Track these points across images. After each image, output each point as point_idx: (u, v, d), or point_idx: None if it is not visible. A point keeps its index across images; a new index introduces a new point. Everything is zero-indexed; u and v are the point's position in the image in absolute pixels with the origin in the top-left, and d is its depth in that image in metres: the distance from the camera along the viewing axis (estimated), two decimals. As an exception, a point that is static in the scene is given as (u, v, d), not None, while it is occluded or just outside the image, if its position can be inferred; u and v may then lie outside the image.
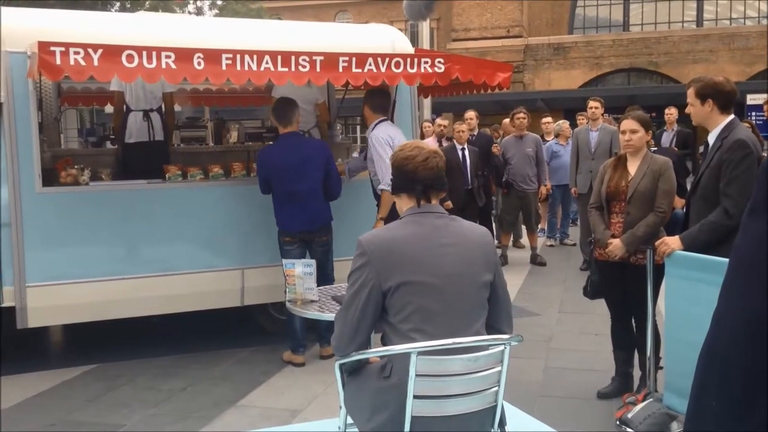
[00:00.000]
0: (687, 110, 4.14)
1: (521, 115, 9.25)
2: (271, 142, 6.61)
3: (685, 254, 3.81)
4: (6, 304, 5.15)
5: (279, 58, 4.96)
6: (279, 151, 5.37)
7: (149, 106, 6.36)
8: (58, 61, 4.47)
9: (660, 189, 4.31)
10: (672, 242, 3.93)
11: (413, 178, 2.72)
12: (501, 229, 9.83)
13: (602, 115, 9.13)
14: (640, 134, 4.38)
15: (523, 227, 10.10)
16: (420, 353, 2.45)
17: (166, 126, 6.57)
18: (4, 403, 4.70)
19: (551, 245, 10.89)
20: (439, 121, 10.10)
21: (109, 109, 9.78)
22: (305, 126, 6.44)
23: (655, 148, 7.48)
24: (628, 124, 4.42)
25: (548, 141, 10.86)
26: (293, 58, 4.99)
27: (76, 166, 5.52)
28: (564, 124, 11.17)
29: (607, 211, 4.50)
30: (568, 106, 22.84)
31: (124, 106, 6.40)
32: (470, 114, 9.92)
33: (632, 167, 4.43)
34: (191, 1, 32.31)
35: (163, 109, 6.61)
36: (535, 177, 9.28)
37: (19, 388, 4.96)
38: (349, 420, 2.84)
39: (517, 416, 4.21)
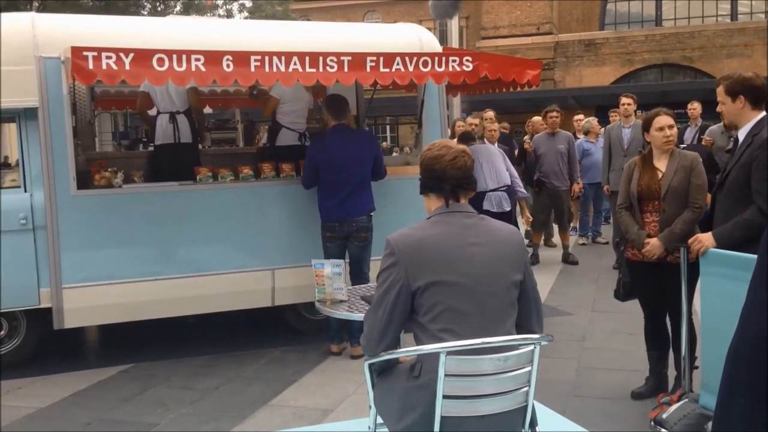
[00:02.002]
0: (718, 109, 4.06)
1: (554, 113, 9.18)
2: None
3: (720, 252, 3.74)
4: (43, 305, 5.25)
5: (307, 59, 4.98)
6: (330, 142, 5.52)
7: (175, 109, 6.44)
8: (91, 66, 4.54)
9: (693, 184, 4.25)
10: (705, 239, 3.87)
11: (441, 177, 2.71)
12: (532, 227, 9.76)
13: (635, 111, 9.02)
14: (675, 129, 4.33)
15: (555, 226, 10.00)
16: (449, 353, 2.44)
17: (195, 127, 6.62)
18: (43, 402, 4.79)
19: (583, 244, 10.78)
20: (470, 120, 10.05)
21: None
22: (301, 128, 6.52)
23: (684, 145, 7.36)
24: (665, 120, 4.34)
25: (579, 139, 10.75)
26: (321, 58, 5.02)
27: (109, 169, 5.61)
28: (593, 121, 11.06)
29: (639, 210, 4.42)
30: (600, 103, 22.63)
31: (155, 109, 6.49)
32: (489, 114, 9.89)
33: (661, 164, 4.35)
34: (221, 4, 32.58)
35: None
36: (567, 175, 9.19)
37: (56, 388, 5.05)
38: (379, 420, 2.83)
39: (549, 416, 4.18)
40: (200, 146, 7.00)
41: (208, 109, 9.66)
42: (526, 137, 10.62)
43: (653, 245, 4.27)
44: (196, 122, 6.58)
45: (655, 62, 29.00)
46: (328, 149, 5.48)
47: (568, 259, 9.33)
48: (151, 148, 7.15)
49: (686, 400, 3.98)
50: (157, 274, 5.46)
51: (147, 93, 6.44)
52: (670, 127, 4.33)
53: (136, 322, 5.59)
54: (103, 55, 4.55)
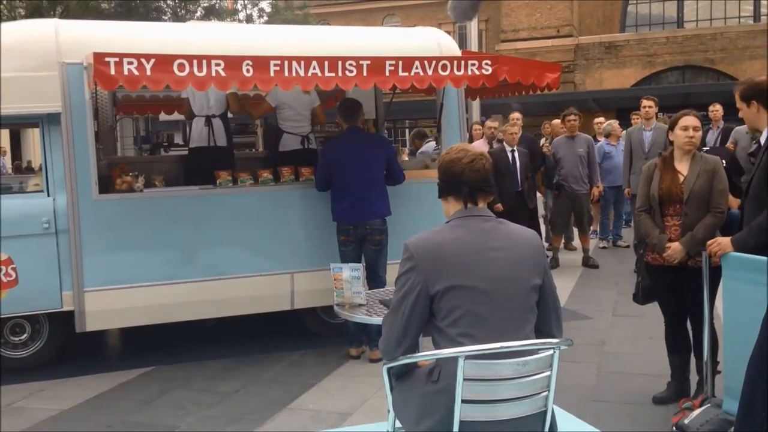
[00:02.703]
0: (740, 115, 4.03)
1: (572, 116, 9.13)
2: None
3: (743, 256, 3.70)
4: (65, 308, 5.31)
5: (326, 63, 5.00)
6: (342, 144, 5.59)
7: (212, 112, 6.47)
8: (113, 72, 4.59)
9: (715, 189, 4.20)
10: (724, 243, 3.83)
11: (459, 179, 2.70)
12: (552, 231, 9.71)
13: (656, 114, 8.95)
14: (700, 133, 4.29)
15: (575, 229, 9.94)
16: (468, 357, 2.43)
17: (230, 131, 6.68)
18: (65, 404, 4.84)
19: (604, 247, 10.71)
20: (489, 123, 10.02)
21: (163, 116, 10.02)
22: (303, 131, 6.55)
23: (707, 148, 7.29)
24: (691, 120, 4.30)
25: (600, 141, 10.69)
26: (340, 63, 5.03)
27: (130, 174, 5.66)
28: (614, 123, 10.98)
29: (659, 213, 4.37)
30: (621, 106, 22.48)
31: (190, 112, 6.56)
32: (516, 115, 9.86)
33: (682, 167, 4.31)
34: (241, 10, 32.78)
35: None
36: (586, 178, 9.13)
37: (78, 390, 5.10)
38: (398, 424, 2.83)
39: (568, 421, 4.15)
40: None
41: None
42: (544, 140, 10.58)
43: (675, 249, 4.23)
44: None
45: (677, 64, 28.73)
46: (340, 151, 5.54)
47: (588, 262, 9.27)
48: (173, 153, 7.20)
49: (709, 405, 3.93)
50: (177, 278, 5.49)
51: (187, 98, 6.49)
52: (695, 128, 4.28)
53: (156, 325, 5.63)
54: (125, 60, 4.60)
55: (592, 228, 10.53)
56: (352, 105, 5.73)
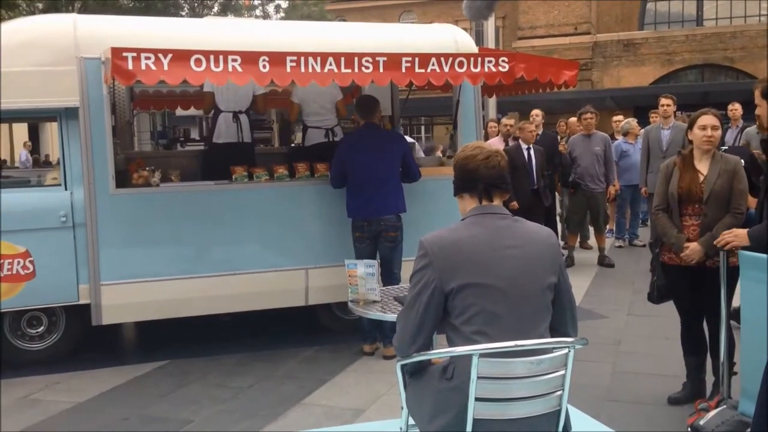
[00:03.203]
0: (756, 112, 3.98)
1: (588, 115, 9.08)
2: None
3: (761, 256, 3.66)
4: (82, 301, 5.35)
5: (342, 59, 4.99)
6: (357, 140, 5.62)
7: (238, 108, 6.49)
8: (130, 66, 4.61)
9: (735, 189, 4.16)
10: (741, 235, 3.79)
11: (474, 176, 2.69)
12: (568, 229, 9.66)
13: (674, 112, 8.87)
14: (720, 132, 4.25)
15: (591, 228, 9.89)
16: (482, 355, 2.42)
17: (252, 128, 6.69)
18: (81, 397, 4.88)
19: (620, 246, 10.64)
20: (504, 120, 9.98)
21: (180, 112, 10.05)
22: (328, 124, 6.54)
23: (724, 147, 7.24)
24: (710, 119, 4.24)
25: (617, 140, 10.62)
26: (356, 59, 5.02)
27: (147, 168, 5.69)
28: (632, 122, 10.90)
29: (678, 213, 4.33)
30: (639, 104, 22.33)
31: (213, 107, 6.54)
32: (536, 112, 9.81)
33: (702, 167, 4.26)
34: (258, 5, 32.88)
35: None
36: (603, 176, 9.07)
37: (95, 383, 5.14)
38: (411, 421, 2.83)
39: (583, 420, 4.13)
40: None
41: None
42: (561, 139, 10.51)
43: (693, 250, 4.19)
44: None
45: (696, 62, 28.49)
46: (355, 147, 5.56)
47: (603, 261, 9.22)
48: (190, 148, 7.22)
49: (725, 406, 3.90)
50: (193, 273, 5.52)
51: (212, 93, 6.49)
52: (714, 128, 4.23)
53: (172, 320, 5.66)
54: (142, 55, 4.62)
55: (608, 227, 10.47)
56: (369, 101, 5.74)
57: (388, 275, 5.49)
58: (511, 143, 9.10)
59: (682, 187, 4.28)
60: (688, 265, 4.26)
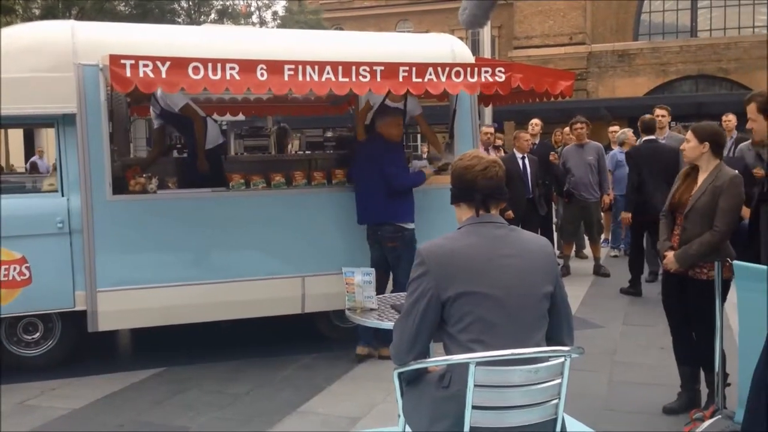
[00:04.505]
0: (748, 126, 4.02)
1: (579, 125, 9.10)
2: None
3: (757, 267, 3.68)
4: (78, 308, 5.35)
5: (340, 68, 5.02)
6: (359, 147, 5.90)
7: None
8: (128, 74, 4.63)
9: (719, 207, 4.12)
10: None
11: (472, 187, 2.71)
12: (562, 239, 9.68)
13: (669, 123, 8.91)
14: (692, 144, 4.24)
15: (586, 237, 9.91)
16: (479, 363, 2.44)
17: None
18: (77, 403, 4.87)
19: (615, 256, 10.67)
20: (484, 128, 9.80)
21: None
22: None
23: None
24: (687, 133, 4.35)
25: (613, 150, 10.65)
26: (354, 68, 5.05)
27: (144, 175, 5.69)
28: (628, 132, 10.94)
29: (673, 221, 4.40)
30: (633, 115, 22.34)
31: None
32: (535, 121, 9.82)
33: (701, 180, 4.30)
34: (255, 13, 32.93)
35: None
36: (597, 186, 9.09)
37: (90, 389, 5.13)
38: (408, 429, 2.83)
39: (579, 430, 4.14)
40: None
41: (240, 116, 9.77)
42: (556, 148, 10.53)
43: (668, 260, 4.29)
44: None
45: (690, 73, 28.64)
46: (357, 152, 5.77)
47: (599, 271, 9.24)
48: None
49: (719, 416, 3.92)
50: (189, 280, 5.52)
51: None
52: (687, 141, 4.29)
53: (169, 326, 5.65)
54: (141, 63, 4.63)
55: (603, 237, 10.49)
56: (384, 110, 5.88)
57: (395, 284, 5.58)
58: (491, 152, 9.07)
59: (675, 196, 4.35)
60: (678, 273, 4.29)
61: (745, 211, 4.25)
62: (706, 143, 4.20)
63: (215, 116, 7.89)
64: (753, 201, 4.10)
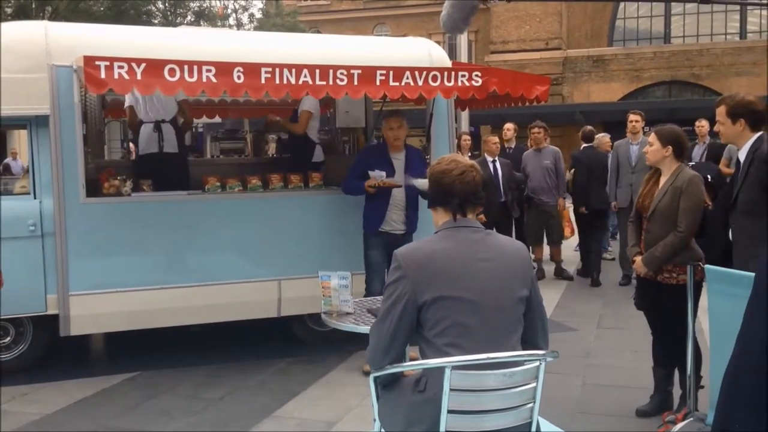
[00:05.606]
0: (716, 128, 4.09)
1: (536, 129, 9.16)
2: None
3: (727, 271, 3.73)
4: (50, 311, 5.28)
5: (317, 71, 5.02)
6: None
7: (161, 117, 6.41)
8: (103, 75, 4.58)
9: (681, 207, 4.17)
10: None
11: (449, 191, 2.72)
12: (527, 243, 9.70)
13: (643, 128, 9.01)
14: (655, 147, 4.28)
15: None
16: (455, 368, 2.44)
17: (182, 137, 6.63)
18: (48, 408, 4.81)
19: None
20: (465, 135, 9.93)
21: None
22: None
23: (692, 163, 7.40)
24: (650, 137, 4.41)
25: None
26: (331, 71, 5.05)
27: (118, 177, 5.64)
28: (604, 137, 11.03)
29: (641, 225, 4.45)
30: (608, 119, 22.63)
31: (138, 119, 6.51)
32: (507, 126, 9.88)
33: (662, 182, 4.34)
34: (232, 15, 32.79)
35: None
36: (555, 189, 9.13)
37: (61, 394, 5.06)
38: (384, 433, 2.83)
39: None
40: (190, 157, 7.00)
41: (217, 119, 9.72)
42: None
43: (637, 265, 4.34)
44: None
45: (663, 79, 29.02)
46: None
47: (561, 274, 9.28)
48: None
49: (692, 419, 3.96)
50: (163, 283, 5.47)
51: (132, 106, 6.46)
52: (650, 144, 4.35)
53: (142, 331, 5.60)
54: (116, 64, 4.59)
55: (578, 242, 10.54)
56: (390, 115, 5.91)
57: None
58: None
59: (639, 201, 4.41)
60: (648, 278, 4.34)
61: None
62: (669, 147, 4.25)
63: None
64: (717, 200, 4.18)
